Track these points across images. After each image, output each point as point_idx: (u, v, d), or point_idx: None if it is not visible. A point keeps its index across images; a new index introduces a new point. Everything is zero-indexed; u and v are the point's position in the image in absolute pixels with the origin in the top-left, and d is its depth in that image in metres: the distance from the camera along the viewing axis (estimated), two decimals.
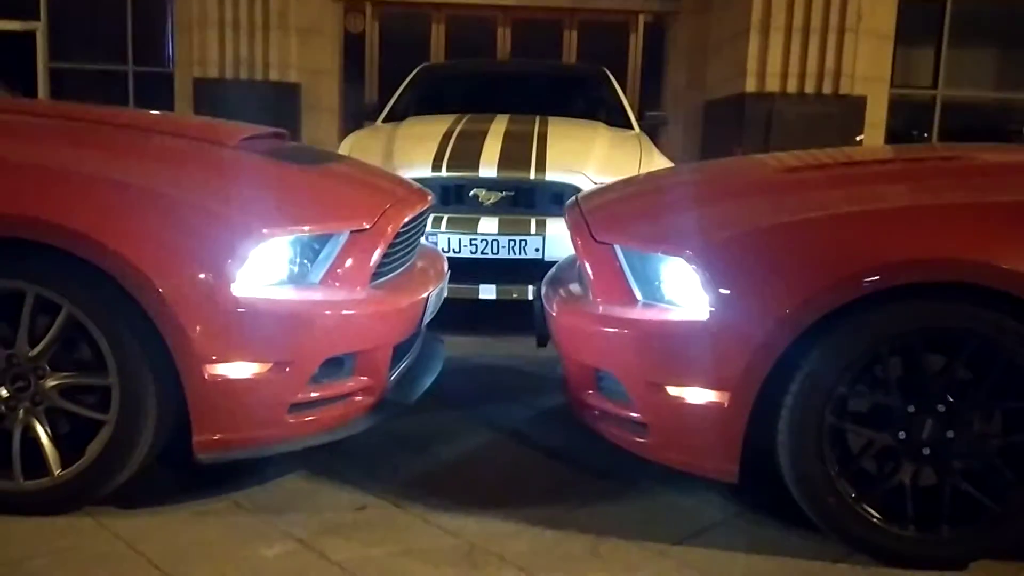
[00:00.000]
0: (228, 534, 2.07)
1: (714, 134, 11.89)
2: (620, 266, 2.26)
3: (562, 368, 2.49)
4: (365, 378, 2.30)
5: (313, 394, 2.19)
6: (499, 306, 3.90)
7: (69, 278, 2.04)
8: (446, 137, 4.16)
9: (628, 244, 2.26)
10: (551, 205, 3.83)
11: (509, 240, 3.74)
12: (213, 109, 11.73)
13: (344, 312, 2.20)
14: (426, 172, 3.84)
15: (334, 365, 2.22)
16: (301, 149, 2.88)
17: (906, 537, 2.02)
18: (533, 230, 3.76)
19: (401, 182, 2.93)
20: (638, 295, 2.22)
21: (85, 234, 1.99)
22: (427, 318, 2.63)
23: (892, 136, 11.61)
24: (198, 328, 2.03)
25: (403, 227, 2.47)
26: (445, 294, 2.84)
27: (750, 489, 2.21)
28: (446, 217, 3.75)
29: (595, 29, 11.34)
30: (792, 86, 10.64)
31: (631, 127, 5.14)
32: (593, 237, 2.33)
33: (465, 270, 3.66)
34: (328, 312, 2.18)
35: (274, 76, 11.96)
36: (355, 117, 13.15)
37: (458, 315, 3.25)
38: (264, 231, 2.11)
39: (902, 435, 2.01)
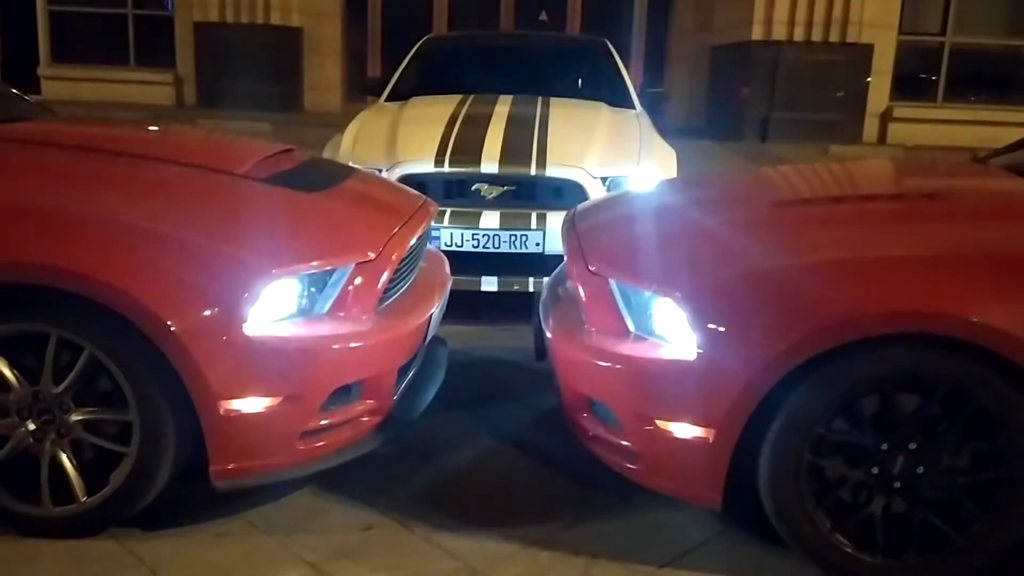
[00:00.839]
0: (244, 559, 2.22)
1: (720, 80, 11.81)
2: (613, 297, 2.36)
3: (558, 385, 2.60)
4: (371, 401, 2.42)
5: (323, 421, 2.31)
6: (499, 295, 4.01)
7: (90, 322, 2.13)
8: (450, 124, 4.22)
9: (621, 279, 2.36)
10: (551, 199, 3.93)
11: (510, 235, 3.84)
12: (214, 55, 11.67)
13: (352, 344, 2.31)
14: (429, 167, 3.92)
15: (342, 392, 2.34)
16: (309, 169, 2.94)
17: (876, 565, 2.16)
18: (534, 225, 3.85)
19: (407, 198, 3.00)
20: (630, 326, 2.32)
21: (106, 282, 2.08)
22: (431, 334, 2.74)
23: (899, 83, 11.52)
24: (213, 367, 2.14)
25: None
26: (446, 306, 2.94)
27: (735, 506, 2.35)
28: (448, 211, 3.83)
29: None
30: (799, 34, 10.54)
31: (632, 105, 5.18)
32: (588, 268, 2.43)
33: (468, 262, 3.77)
34: (336, 346, 2.29)
35: (276, 19, 11.85)
36: (357, 58, 13.04)
37: (459, 304, 3.34)
38: (274, 271, 2.21)
39: (875, 470, 2.14)
